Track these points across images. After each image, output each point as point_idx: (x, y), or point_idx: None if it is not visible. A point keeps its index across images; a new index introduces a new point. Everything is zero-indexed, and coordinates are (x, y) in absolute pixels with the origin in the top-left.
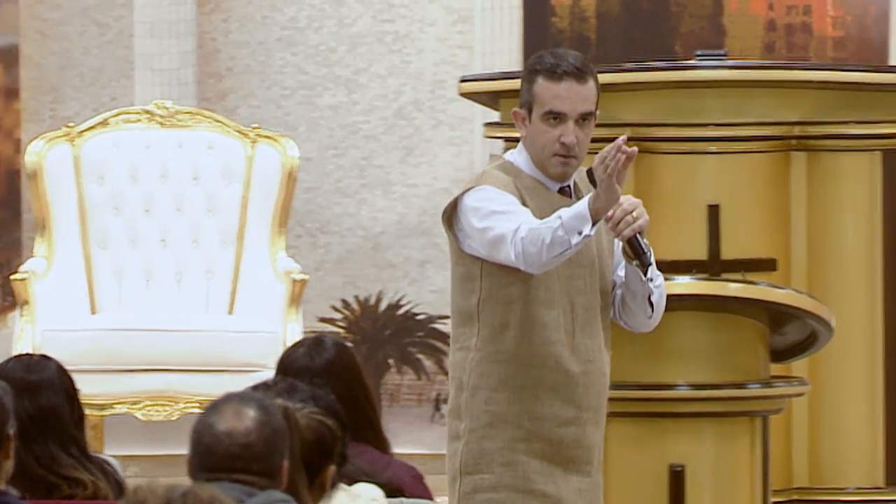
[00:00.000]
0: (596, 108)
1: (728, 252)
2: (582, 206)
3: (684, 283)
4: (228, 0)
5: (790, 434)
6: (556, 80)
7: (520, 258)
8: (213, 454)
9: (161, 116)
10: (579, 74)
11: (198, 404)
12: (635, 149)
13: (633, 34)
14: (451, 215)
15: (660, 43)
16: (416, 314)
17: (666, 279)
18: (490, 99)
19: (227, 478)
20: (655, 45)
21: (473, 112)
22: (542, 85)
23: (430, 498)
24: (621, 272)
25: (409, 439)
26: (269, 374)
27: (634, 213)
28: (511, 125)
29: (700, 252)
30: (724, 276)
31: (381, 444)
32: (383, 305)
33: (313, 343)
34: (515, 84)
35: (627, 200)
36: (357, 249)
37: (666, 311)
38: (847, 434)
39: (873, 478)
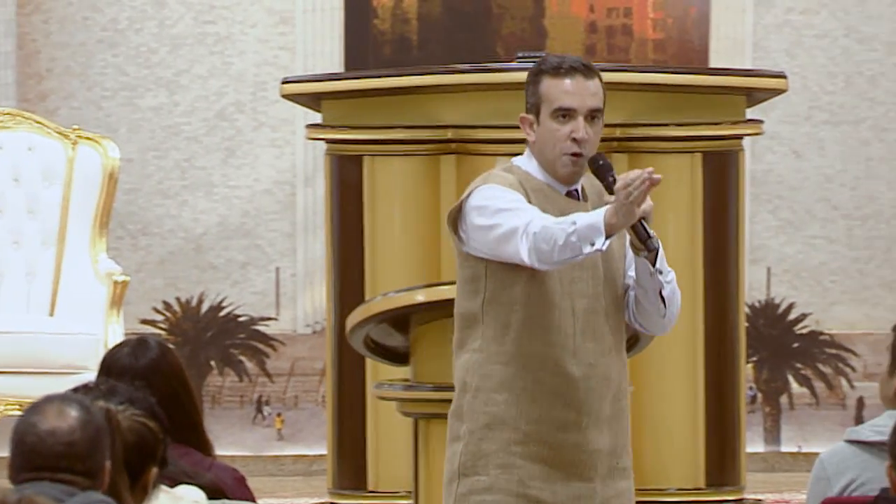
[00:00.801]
0: (603, 107)
1: None
2: (597, 217)
3: None
4: (49, 1)
5: None
6: (563, 77)
7: (532, 253)
8: (36, 454)
9: None
10: (585, 70)
11: (18, 406)
12: (660, 177)
13: (454, 36)
14: (457, 217)
15: (481, 45)
16: (238, 316)
17: None
18: (312, 100)
19: (50, 477)
20: (477, 47)
21: (295, 113)
22: (548, 83)
23: (252, 500)
24: (633, 273)
25: (231, 441)
26: (90, 376)
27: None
28: (333, 127)
29: None
30: None
31: (204, 446)
32: (205, 307)
33: (137, 343)
34: (337, 86)
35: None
36: (178, 251)
37: None
38: (668, 435)
39: (694, 479)
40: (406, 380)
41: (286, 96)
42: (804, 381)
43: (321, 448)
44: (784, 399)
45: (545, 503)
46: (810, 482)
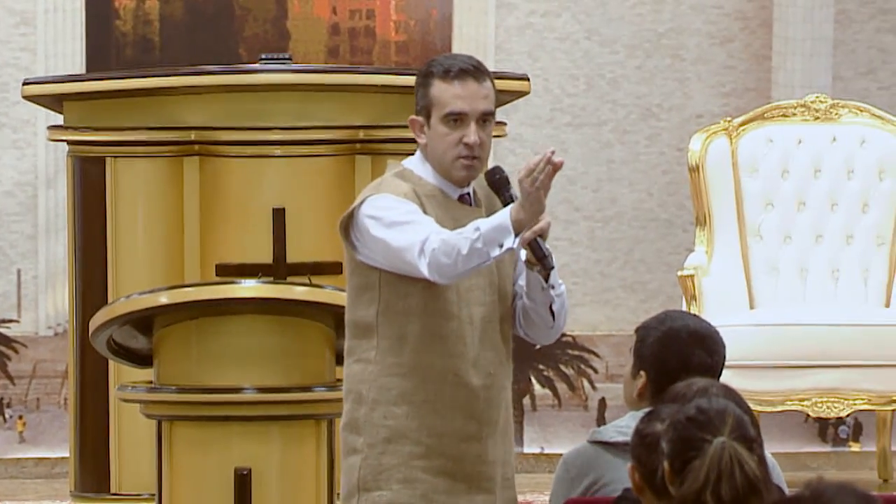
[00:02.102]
0: (495, 110)
1: (294, 255)
2: (503, 218)
3: (250, 287)
4: None
5: None
6: (453, 80)
7: (432, 269)
8: None
9: None
10: (476, 73)
11: None
12: (561, 160)
13: (197, 38)
14: (349, 224)
15: (225, 46)
16: None
17: (230, 283)
18: (54, 102)
19: None
20: (220, 49)
21: (37, 115)
22: (438, 87)
23: None
24: (523, 282)
25: None
26: None
27: None
28: (75, 128)
29: (266, 255)
30: (290, 279)
31: None
32: None
33: None
34: (79, 87)
35: None
36: None
37: (232, 314)
38: None
39: None
40: (149, 382)
41: (27, 97)
42: (547, 383)
43: (63, 451)
44: (527, 401)
45: None
46: (553, 483)
